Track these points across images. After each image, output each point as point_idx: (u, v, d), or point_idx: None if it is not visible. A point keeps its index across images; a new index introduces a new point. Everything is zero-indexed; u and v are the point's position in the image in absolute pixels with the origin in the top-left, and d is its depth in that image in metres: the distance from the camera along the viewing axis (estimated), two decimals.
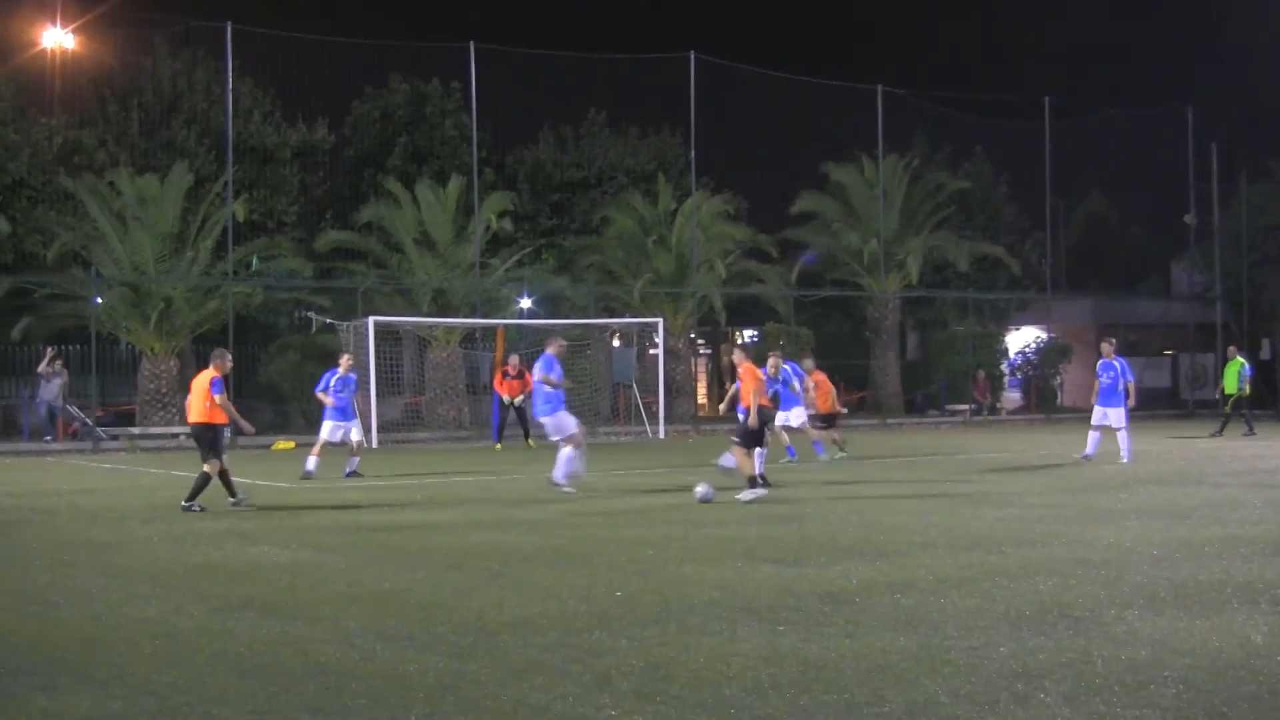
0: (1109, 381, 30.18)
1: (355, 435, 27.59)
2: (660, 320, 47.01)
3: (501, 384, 38.33)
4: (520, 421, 37.71)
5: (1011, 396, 62.82)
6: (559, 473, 22.76)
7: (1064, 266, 69.20)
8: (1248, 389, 41.39)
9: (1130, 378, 30.34)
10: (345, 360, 27.72)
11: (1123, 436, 29.95)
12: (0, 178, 43.46)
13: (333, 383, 27.19)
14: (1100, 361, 30.43)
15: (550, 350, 23.20)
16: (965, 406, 55.99)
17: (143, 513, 20.44)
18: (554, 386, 22.74)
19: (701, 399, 62.83)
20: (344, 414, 27.35)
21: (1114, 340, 31.16)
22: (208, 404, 20.66)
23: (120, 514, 20.33)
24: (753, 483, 21.29)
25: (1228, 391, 41.71)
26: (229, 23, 44.45)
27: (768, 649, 9.97)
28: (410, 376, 46.93)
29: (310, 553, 15.72)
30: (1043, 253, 64.14)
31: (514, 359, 38.36)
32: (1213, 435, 40.54)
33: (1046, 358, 62.80)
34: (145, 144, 48.86)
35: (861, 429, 49.81)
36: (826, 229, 58.45)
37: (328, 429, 27.38)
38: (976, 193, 62.17)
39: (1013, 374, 63.04)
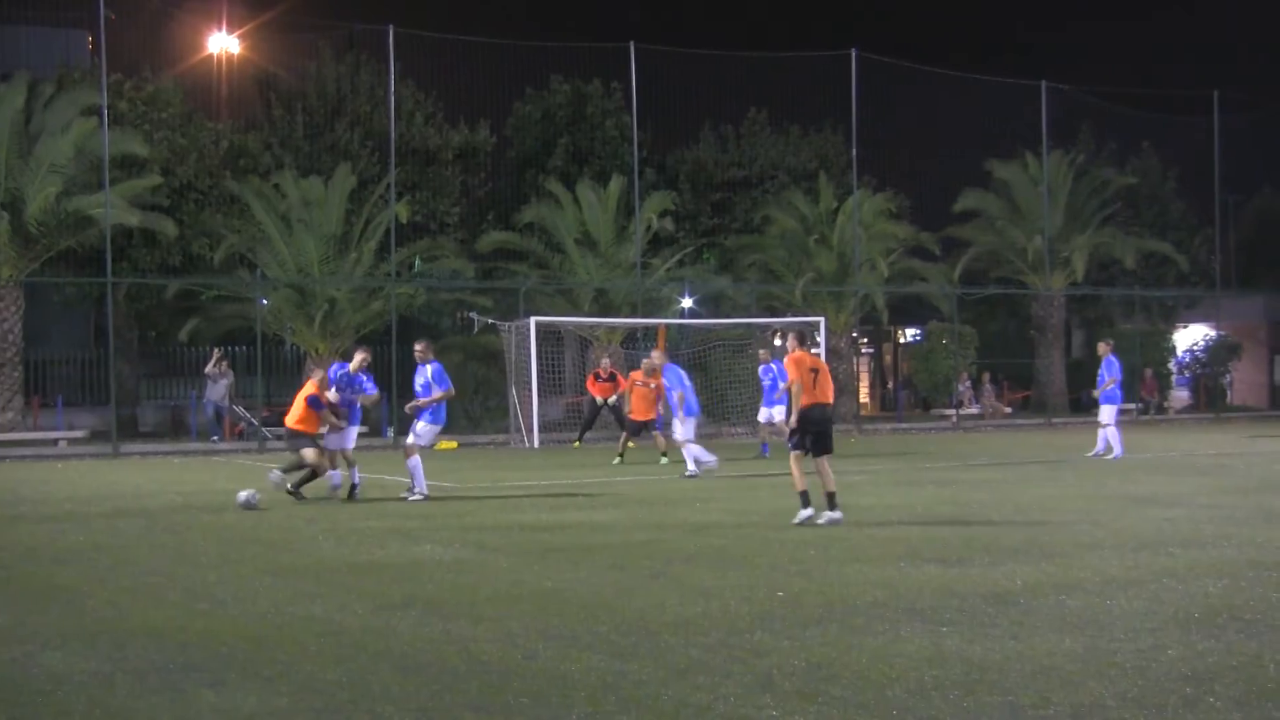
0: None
1: (349, 443, 23.54)
2: (822, 319, 46.73)
3: (594, 385, 38.31)
4: (618, 422, 37.86)
5: (1180, 395, 61.83)
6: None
7: (1234, 263, 67.89)
8: None
9: (1113, 375, 31.93)
10: (359, 357, 23.57)
11: (1104, 434, 31.76)
12: (168, 181, 44.11)
13: (338, 375, 23.48)
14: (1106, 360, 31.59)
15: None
16: (1132, 406, 55.12)
17: (308, 512, 20.66)
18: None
19: (864, 398, 62.46)
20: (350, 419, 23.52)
21: (1111, 341, 32.40)
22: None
23: (286, 513, 20.56)
24: (804, 500, 18.09)
25: None
26: (391, 26, 44.89)
27: (931, 650, 9.86)
28: (572, 377, 47.07)
29: (473, 552, 15.79)
30: (1212, 249, 62.94)
31: (606, 361, 38.28)
32: None
33: (1215, 356, 61.73)
34: (309, 147, 49.38)
35: (1026, 428, 49.34)
36: (990, 226, 57.85)
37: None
38: (1143, 189, 61.14)
39: (1181, 372, 62.04)
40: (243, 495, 21.02)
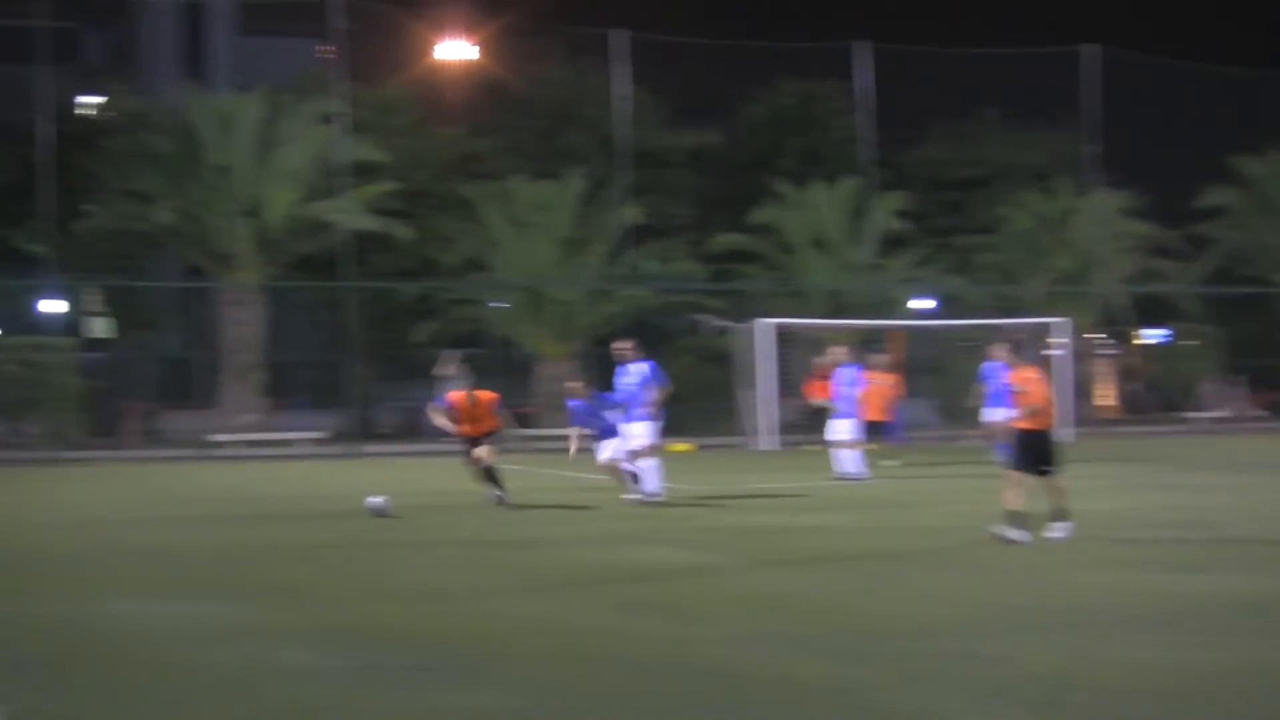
0: None
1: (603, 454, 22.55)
2: (1061, 320, 45.92)
3: (816, 385, 37.73)
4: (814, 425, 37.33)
5: None
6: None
7: None
8: None
9: None
10: (577, 383, 23.53)
11: None
12: (403, 186, 44.87)
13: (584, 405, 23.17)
14: None
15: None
16: None
17: (541, 513, 20.74)
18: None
19: (1107, 401, 61.26)
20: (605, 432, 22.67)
21: None
22: None
23: (519, 513, 20.65)
24: (1013, 520, 15.84)
25: None
26: (621, 30, 45.10)
27: (1176, 660, 9.54)
28: (803, 379, 46.84)
29: (705, 554, 15.72)
30: None
31: (828, 360, 37.89)
32: None
33: None
34: (541, 151, 49.88)
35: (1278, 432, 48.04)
36: (1238, 223, 56.35)
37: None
38: None
39: None
40: (375, 500, 20.52)
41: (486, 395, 22.29)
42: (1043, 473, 16.20)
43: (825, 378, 36.17)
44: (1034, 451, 16.16)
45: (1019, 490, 15.87)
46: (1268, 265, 56.33)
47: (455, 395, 22.46)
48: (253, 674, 9.59)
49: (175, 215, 41.51)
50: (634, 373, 22.27)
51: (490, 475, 21.71)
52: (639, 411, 22.22)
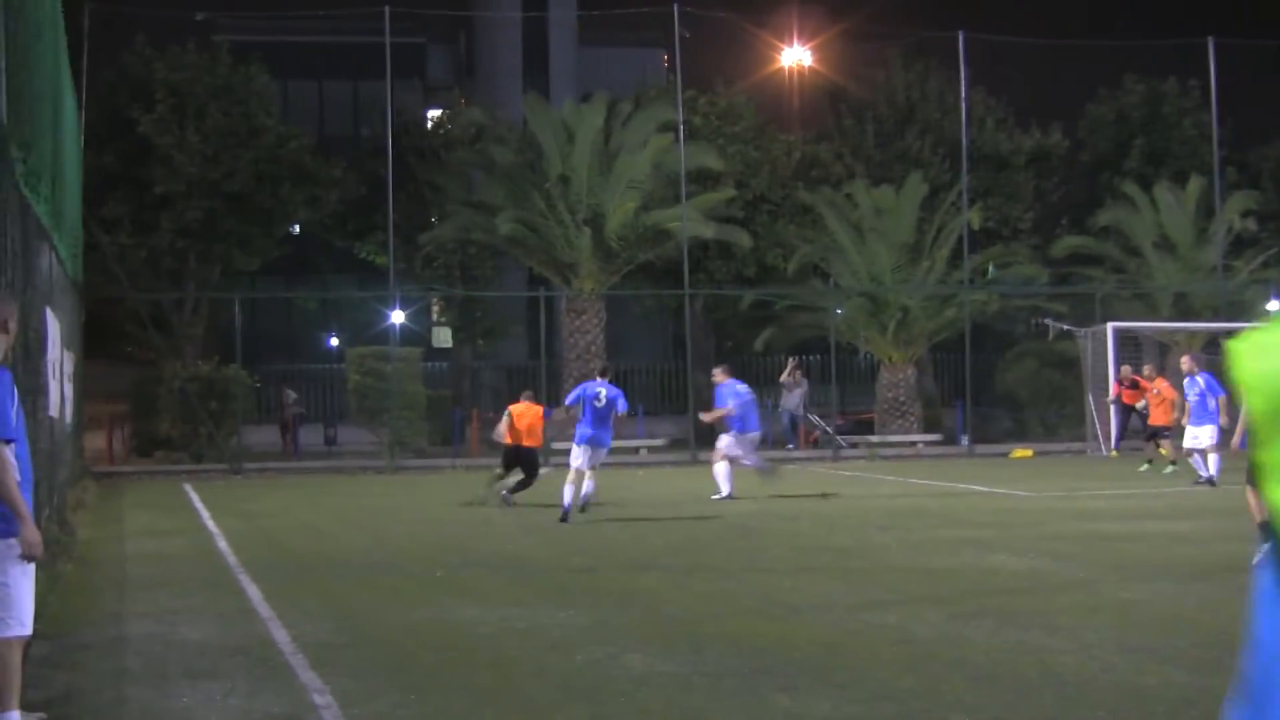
0: None
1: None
2: None
3: (1124, 392, 36.82)
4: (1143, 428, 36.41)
5: None
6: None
7: None
8: None
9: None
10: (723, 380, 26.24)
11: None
12: (742, 193, 45.10)
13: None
14: None
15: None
16: None
17: (881, 519, 20.65)
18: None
19: None
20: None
21: None
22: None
23: (859, 521, 20.61)
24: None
25: None
26: (961, 31, 44.61)
27: None
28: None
29: (1049, 561, 15.51)
30: None
31: (1126, 368, 36.83)
32: None
33: None
34: (880, 155, 49.67)
35: None
36: None
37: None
38: None
39: None
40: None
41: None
42: None
43: (1133, 385, 35.39)
44: None
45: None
46: None
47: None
48: (594, 678, 9.80)
49: (517, 225, 42.21)
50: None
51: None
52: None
